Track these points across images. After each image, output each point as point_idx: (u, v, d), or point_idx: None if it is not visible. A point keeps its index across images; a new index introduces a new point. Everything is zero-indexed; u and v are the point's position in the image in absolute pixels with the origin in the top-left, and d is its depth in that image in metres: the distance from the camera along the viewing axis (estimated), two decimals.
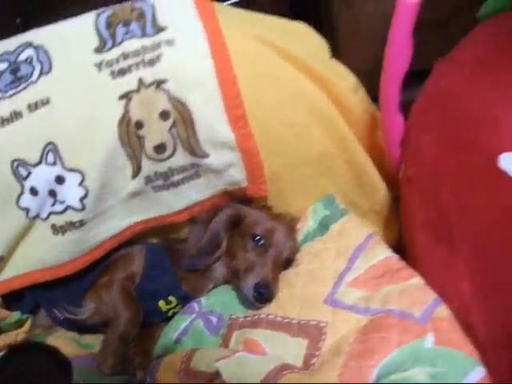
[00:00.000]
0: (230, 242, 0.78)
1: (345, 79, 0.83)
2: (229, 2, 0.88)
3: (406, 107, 0.80)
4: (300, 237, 0.81)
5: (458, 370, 0.57)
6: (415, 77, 0.80)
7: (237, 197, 0.81)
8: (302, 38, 0.82)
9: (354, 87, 0.83)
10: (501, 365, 0.58)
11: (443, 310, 0.63)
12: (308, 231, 0.81)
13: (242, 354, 0.66)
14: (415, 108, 0.78)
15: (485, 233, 0.64)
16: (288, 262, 0.77)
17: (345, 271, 0.72)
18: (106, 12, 0.79)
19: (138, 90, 0.73)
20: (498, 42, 0.78)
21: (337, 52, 0.84)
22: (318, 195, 0.83)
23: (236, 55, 0.76)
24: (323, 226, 0.80)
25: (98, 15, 0.78)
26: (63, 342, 0.79)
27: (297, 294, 0.73)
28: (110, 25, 0.77)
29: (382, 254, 0.73)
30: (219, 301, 0.77)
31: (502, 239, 0.62)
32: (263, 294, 0.72)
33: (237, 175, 0.78)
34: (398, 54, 0.70)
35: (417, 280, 0.68)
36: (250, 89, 0.76)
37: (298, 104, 0.78)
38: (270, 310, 0.72)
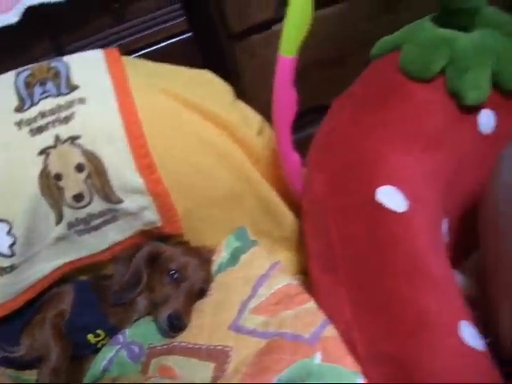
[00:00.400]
0: (150, 276, 0.86)
1: (249, 121, 0.91)
2: (139, 54, 0.96)
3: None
4: (214, 268, 0.89)
5: (343, 382, 0.65)
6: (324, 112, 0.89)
7: (155, 235, 0.89)
8: (207, 86, 0.91)
9: (259, 128, 0.92)
10: (378, 378, 0.66)
11: (330, 331, 0.72)
12: (221, 262, 0.89)
13: (155, 379, 0.74)
14: (312, 146, 0.86)
15: (361, 262, 0.72)
16: (201, 293, 0.85)
17: (249, 299, 0.80)
18: (25, 72, 0.86)
19: (55, 146, 0.81)
20: (382, 81, 0.87)
21: (243, 96, 0.93)
22: (231, 228, 0.91)
23: (144, 109, 0.84)
24: (234, 257, 0.88)
25: (18, 74, 0.86)
26: (3, 378, 0.86)
27: (206, 321, 0.81)
28: (28, 84, 0.85)
29: (283, 281, 0.81)
30: (140, 331, 0.84)
31: (374, 267, 0.71)
32: (175, 324, 0.80)
33: (151, 216, 0.86)
34: (283, 104, 0.78)
35: (310, 304, 0.76)
36: (159, 140, 0.84)
37: (204, 150, 0.86)
38: (183, 338, 0.80)
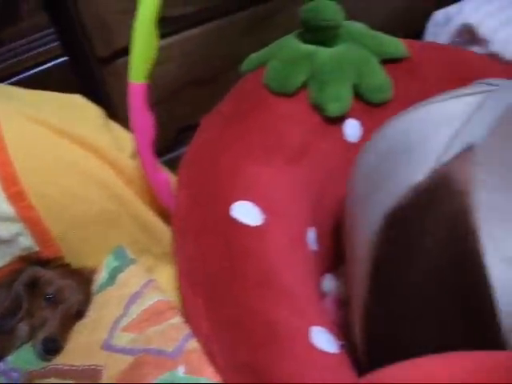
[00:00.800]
0: (30, 302, 0.87)
1: (121, 143, 0.93)
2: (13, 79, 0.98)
3: None
4: (95, 288, 0.91)
5: None
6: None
7: (34, 260, 0.90)
8: (77, 110, 0.92)
9: (132, 149, 0.94)
10: None
11: (193, 344, 0.74)
12: (102, 282, 0.91)
13: None
14: (181, 163, 0.89)
15: (216, 276, 0.75)
16: (79, 314, 0.87)
17: (121, 317, 0.82)
18: None
19: None
20: (247, 97, 0.90)
21: (116, 118, 0.95)
22: (111, 247, 0.93)
23: (10, 137, 0.85)
24: (112, 277, 0.90)
25: None
26: None
27: (82, 342, 0.82)
28: None
29: (154, 298, 0.84)
30: (21, 357, 0.85)
31: (228, 281, 0.74)
32: (50, 347, 0.82)
33: (26, 242, 0.87)
34: (140, 128, 0.81)
35: (175, 320, 0.79)
36: (28, 166, 0.86)
37: (74, 173, 0.88)
38: (59, 360, 0.82)
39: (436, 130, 0.65)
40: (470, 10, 1.06)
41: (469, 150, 0.57)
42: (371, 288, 0.60)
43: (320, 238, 0.86)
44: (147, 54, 0.75)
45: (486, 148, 0.57)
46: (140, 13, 0.73)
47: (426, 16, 1.16)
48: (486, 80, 0.70)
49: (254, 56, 0.94)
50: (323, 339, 0.69)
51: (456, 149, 0.59)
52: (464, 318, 0.53)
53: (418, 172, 0.60)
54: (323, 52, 0.91)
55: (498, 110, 0.62)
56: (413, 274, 0.56)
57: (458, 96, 0.69)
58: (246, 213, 0.75)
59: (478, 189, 0.54)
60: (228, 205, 0.76)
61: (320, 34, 0.92)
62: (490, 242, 0.52)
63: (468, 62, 0.99)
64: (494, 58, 1.02)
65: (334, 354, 0.68)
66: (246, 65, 0.94)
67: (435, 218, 0.54)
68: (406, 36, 1.05)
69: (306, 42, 0.93)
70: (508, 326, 0.51)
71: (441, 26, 1.11)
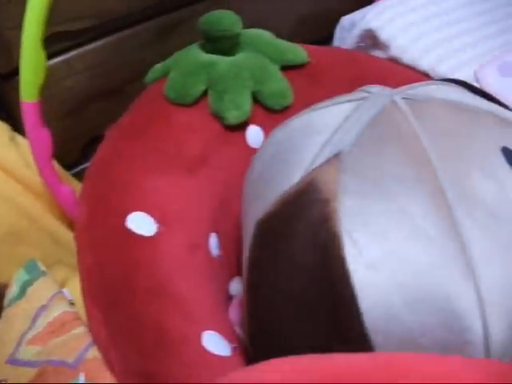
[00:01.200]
0: None
1: (27, 158, 0.95)
2: None
3: None
4: (5, 303, 0.92)
5: None
6: None
7: None
8: None
9: None
10: None
11: (93, 353, 0.76)
12: (12, 296, 0.92)
13: None
14: (85, 176, 0.90)
15: (113, 285, 0.77)
16: None
17: (27, 330, 0.84)
18: None
19: None
20: (147, 109, 0.92)
21: (21, 132, 0.96)
22: (23, 262, 0.94)
23: None
24: (23, 290, 0.92)
25: None
26: None
27: None
28: None
29: (60, 309, 0.85)
30: None
31: (123, 291, 0.76)
32: None
33: None
34: (36, 145, 0.82)
35: (78, 330, 0.81)
36: None
37: None
38: None
39: (312, 137, 0.67)
40: (373, 15, 1.10)
41: (336, 157, 0.59)
42: (247, 292, 0.63)
43: (224, 243, 0.88)
44: (36, 72, 0.77)
45: (352, 155, 0.60)
46: (25, 30, 0.74)
47: (335, 21, 1.19)
48: (365, 87, 0.73)
49: (157, 67, 0.96)
50: (215, 343, 0.72)
51: (324, 156, 0.62)
52: (331, 321, 0.56)
53: (290, 180, 0.62)
54: (222, 61, 0.93)
55: (366, 117, 0.64)
56: (281, 280, 0.58)
57: (338, 103, 0.72)
58: (141, 224, 0.77)
59: (343, 196, 0.56)
60: (124, 216, 0.78)
61: (219, 43, 0.94)
62: (353, 247, 0.54)
63: (367, 67, 1.03)
64: (394, 62, 1.06)
65: (225, 357, 0.71)
66: (149, 76, 0.96)
67: (300, 227, 0.56)
68: (314, 42, 1.08)
69: (207, 52, 0.95)
70: (373, 327, 0.54)
71: (347, 31, 1.15)
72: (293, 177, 0.65)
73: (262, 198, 0.68)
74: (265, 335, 0.65)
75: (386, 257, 0.56)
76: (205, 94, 0.93)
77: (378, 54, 1.12)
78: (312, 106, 0.76)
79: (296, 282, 0.59)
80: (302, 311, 0.60)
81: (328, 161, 0.62)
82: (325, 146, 0.65)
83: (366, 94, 0.71)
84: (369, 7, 1.16)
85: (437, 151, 0.60)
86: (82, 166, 0.97)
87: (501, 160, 0.62)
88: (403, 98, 0.67)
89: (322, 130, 0.68)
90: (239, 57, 0.96)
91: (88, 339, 0.78)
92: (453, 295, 0.55)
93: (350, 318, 0.57)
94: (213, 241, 0.86)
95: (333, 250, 0.56)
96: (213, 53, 0.96)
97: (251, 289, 0.64)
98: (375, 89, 0.71)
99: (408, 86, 0.72)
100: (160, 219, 0.79)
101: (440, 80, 0.90)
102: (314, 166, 0.63)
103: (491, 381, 0.41)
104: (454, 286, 0.55)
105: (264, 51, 0.97)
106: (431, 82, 0.74)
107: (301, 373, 0.43)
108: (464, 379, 0.41)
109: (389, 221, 0.57)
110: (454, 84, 0.79)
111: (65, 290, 0.92)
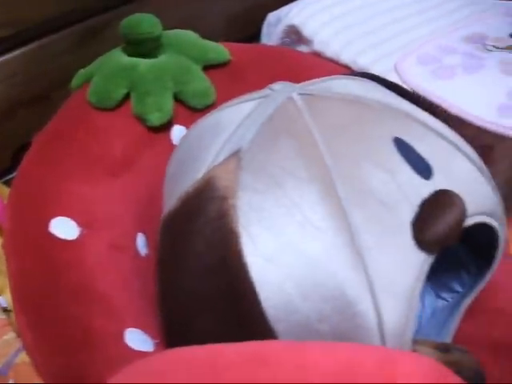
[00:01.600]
0: None
1: None
2: None
3: None
4: None
5: None
6: None
7: None
8: None
9: None
10: None
11: (21, 358, 0.78)
12: None
13: None
14: (12, 184, 0.92)
15: (38, 289, 0.79)
16: None
17: None
18: None
19: None
20: (71, 115, 0.93)
21: None
22: None
23: None
24: None
25: None
26: None
27: None
28: None
29: None
30: None
31: (47, 294, 0.78)
32: None
33: None
34: None
35: (8, 336, 0.82)
36: None
37: None
38: None
39: (217, 135, 0.69)
40: (296, 11, 1.13)
41: (234, 154, 0.61)
42: (157, 289, 0.65)
43: (152, 242, 0.90)
44: None
45: (249, 152, 0.62)
46: None
47: (264, 18, 1.21)
48: (272, 84, 0.75)
49: (81, 72, 0.98)
50: (137, 340, 0.74)
51: (225, 154, 0.64)
52: (234, 314, 0.58)
53: (195, 178, 0.64)
54: (144, 64, 0.95)
55: (265, 114, 0.67)
56: (184, 277, 0.61)
57: (246, 100, 0.74)
58: (63, 228, 0.79)
59: (240, 192, 0.58)
60: (47, 221, 0.79)
61: (140, 46, 0.96)
62: (250, 242, 0.56)
63: (290, 62, 1.05)
64: (317, 56, 1.08)
65: (147, 352, 0.73)
66: (74, 81, 0.97)
67: (200, 224, 0.58)
68: (245, 38, 1.11)
69: (129, 55, 0.96)
70: (273, 317, 0.56)
71: (273, 27, 1.17)
72: (197, 174, 0.67)
73: (173, 195, 0.70)
74: (175, 331, 0.67)
75: (280, 249, 0.59)
76: (128, 96, 0.95)
77: (302, 48, 1.14)
78: (223, 104, 0.78)
79: (197, 279, 0.62)
80: (206, 307, 0.62)
81: (227, 158, 0.64)
82: (226, 143, 0.68)
83: (269, 92, 0.73)
84: (293, 3, 1.18)
85: (328, 145, 0.63)
86: (12, 175, 0.98)
87: (393, 150, 0.65)
88: (300, 94, 0.69)
89: (226, 127, 0.70)
90: (161, 59, 0.98)
91: (18, 344, 0.80)
92: (344, 283, 0.58)
93: (251, 309, 0.59)
94: (140, 240, 0.88)
95: (230, 245, 0.59)
96: (135, 56, 0.97)
97: (160, 286, 0.67)
98: (279, 86, 0.73)
99: (310, 81, 0.75)
100: (83, 223, 0.81)
101: (354, 74, 0.93)
102: (215, 163, 0.65)
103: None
104: (345, 274, 0.58)
105: (186, 52, 0.99)
106: (335, 76, 0.77)
107: (177, 363, 0.46)
108: (320, 368, 0.45)
109: (282, 215, 0.60)
110: (364, 78, 0.82)
111: (0, 298, 0.93)
